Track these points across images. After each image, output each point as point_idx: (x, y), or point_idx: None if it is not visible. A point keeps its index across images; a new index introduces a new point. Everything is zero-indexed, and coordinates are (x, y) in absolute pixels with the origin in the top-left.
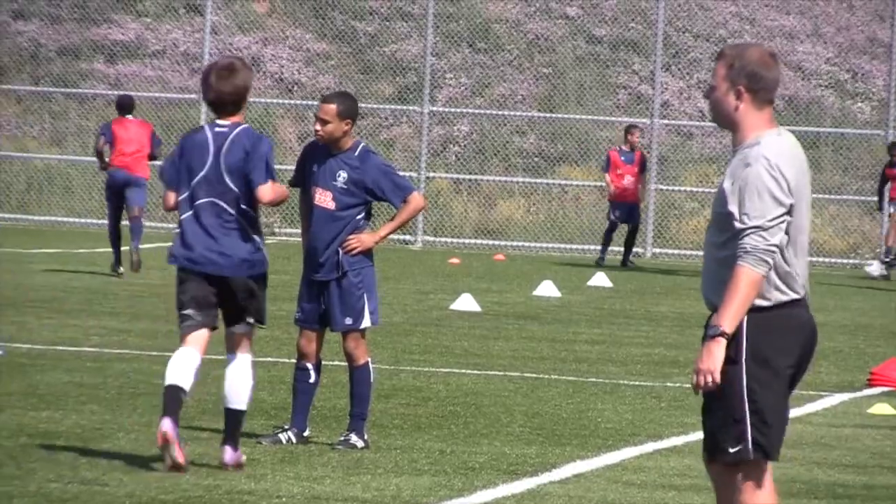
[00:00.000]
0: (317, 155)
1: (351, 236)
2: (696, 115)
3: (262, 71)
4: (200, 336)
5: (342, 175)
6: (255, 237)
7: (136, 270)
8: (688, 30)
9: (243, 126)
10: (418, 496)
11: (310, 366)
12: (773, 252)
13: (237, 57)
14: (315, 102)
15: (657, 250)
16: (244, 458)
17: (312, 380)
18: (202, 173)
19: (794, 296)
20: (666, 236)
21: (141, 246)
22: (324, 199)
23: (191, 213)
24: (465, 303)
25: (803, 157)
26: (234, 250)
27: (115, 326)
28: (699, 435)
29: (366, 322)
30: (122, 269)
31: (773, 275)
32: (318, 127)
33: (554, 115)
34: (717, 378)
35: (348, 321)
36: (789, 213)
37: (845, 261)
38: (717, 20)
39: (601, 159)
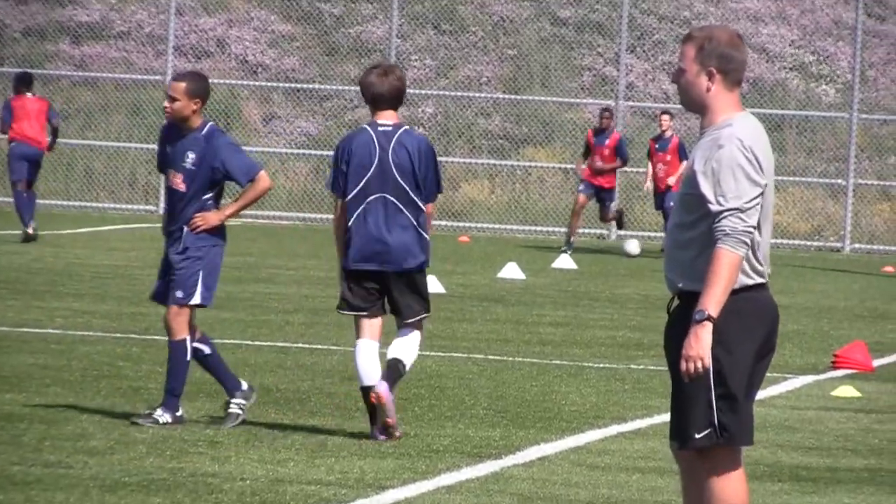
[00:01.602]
0: (171, 137)
1: (197, 215)
2: (661, 97)
3: (226, 53)
4: (374, 325)
5: (190, 156)
6: (422, 232)
7: (29, 240)
8: (653, 12)
9: (405, 127)
10: (382, 479)
11: (195, 342)
12: (752, 233)
13: (392, 63)
14: (280, 84)
15: (621, 232)
16: (392, 398)
17: (208, 351)
18: (371, 171)
19: (760, 279)
20: (630, 218)
21: (109, 228)
22: (176, 180)
23: (361, 210)
24: (430, 284)
25: (768, 140)
26: (400, 242)
27: (80, 308)
28: (663, 417)
29: (196, 299)
30: (32, 227)
31: None
32: (166, 104)
33: (519, 97)
34: (707, 363)
35: (179, 294)
36: (763, 194)
37: (809, 243)
38: (681, 2)
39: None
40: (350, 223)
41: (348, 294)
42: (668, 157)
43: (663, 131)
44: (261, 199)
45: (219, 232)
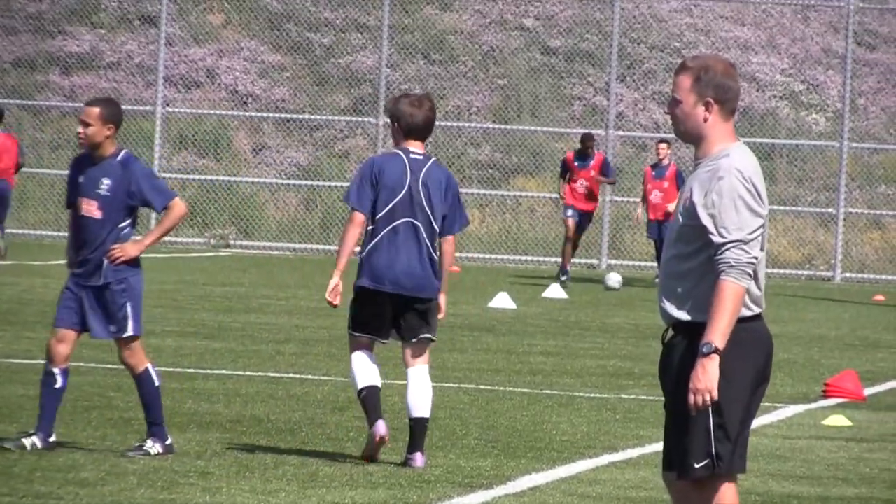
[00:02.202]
0: (83, 166)
1: (115, 246)
2: (651, 126)
3: (216, 83)
4: (373, 344)
5: (105, 182)
6: (435, 259)
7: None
8: (643, 41)
9: (434, 158)
10: None
11: (56, 370)
12: (755, 264)
13: (426, 93)
14: (271, 114)
15: (612, 261)
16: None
17: (59, 385)
18: (400, 196)
19: (757, 310)
20: (620, 247)
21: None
22: (90, 208)
23: (387, 232)
24: None
25: (761, 170)
26: (424, 269)
27: None
28: (654, 447)
29: (129, 331)
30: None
31: None
32: (80, 129)
33: (508, 127)
34: (715, 396)
35: (112, 329)
36: (763, 224)
37: (800, 272)
38: (672, 31)
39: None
40: (373, 244)
41: (360, 315)
42: (666, 185)
43: (661, 159)
44: (177, 226)
45: (136, 260)
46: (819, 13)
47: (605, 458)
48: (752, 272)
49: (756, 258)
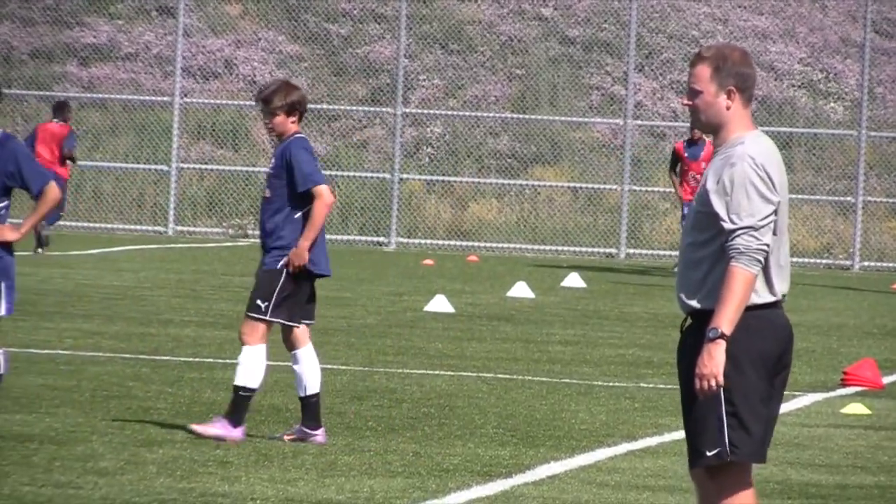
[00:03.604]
0: None
1: None
2: (669, 115)
3: (234, 73)
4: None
5: None
6: None
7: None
8: (661, 30)
9: None
10: (392, 498)
11: None
12: (766, 251)
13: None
14: None
15: (631, 251)
16: None
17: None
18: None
19: (772, 298)
20: (639, 237)
21: (118, 249)
22: None
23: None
24: (439, 304)
25: (780, 158)
26: None
27: (89, 329)
28: (673, 436)
29: (1, 310)
30: (41, 250)
31: None
32: None
33: (527, 117)
34: (721, 381)
35: None
36: (776, 211)
37: (819, 260)
38: (689, 21)
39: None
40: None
41: (298, 301)
42: (703, 165)
43: (697, 138)
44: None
45: (9, 244)
46: (837, 2)
47: (624, 447)
48: (762, 259)
49: (767, 245)
